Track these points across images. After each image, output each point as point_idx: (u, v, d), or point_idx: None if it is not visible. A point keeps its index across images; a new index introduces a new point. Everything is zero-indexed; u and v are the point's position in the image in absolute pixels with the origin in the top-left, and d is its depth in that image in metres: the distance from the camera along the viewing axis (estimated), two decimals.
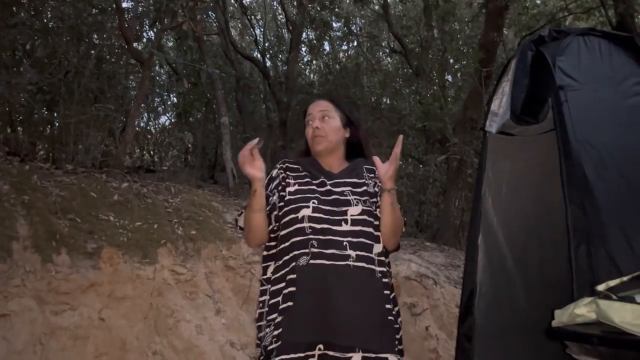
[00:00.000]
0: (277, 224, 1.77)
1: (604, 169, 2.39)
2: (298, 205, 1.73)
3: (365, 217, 1.73)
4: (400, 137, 1.77)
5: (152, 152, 9.52)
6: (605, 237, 2.25)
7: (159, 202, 3.79)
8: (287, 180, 1.81)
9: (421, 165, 8.42)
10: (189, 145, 10.00)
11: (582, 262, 2.25)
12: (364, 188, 1.80)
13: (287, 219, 1.73)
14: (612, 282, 1.39)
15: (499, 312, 3.07)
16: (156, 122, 9.77)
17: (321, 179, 1.80)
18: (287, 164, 1.86)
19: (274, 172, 1.86)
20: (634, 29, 5.93)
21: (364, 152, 1.92)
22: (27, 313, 2.68)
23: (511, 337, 3.02)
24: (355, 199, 1.75)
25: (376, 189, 1.82)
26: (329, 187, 1.78)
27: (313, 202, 1.72)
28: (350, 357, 1.59)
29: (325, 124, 1.84)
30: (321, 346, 1.59)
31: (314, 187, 1.78)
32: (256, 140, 1.69)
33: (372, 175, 1.85)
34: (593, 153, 2.40)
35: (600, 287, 1.38)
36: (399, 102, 8.90)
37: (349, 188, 1.79)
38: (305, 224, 1.69)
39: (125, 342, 2.89)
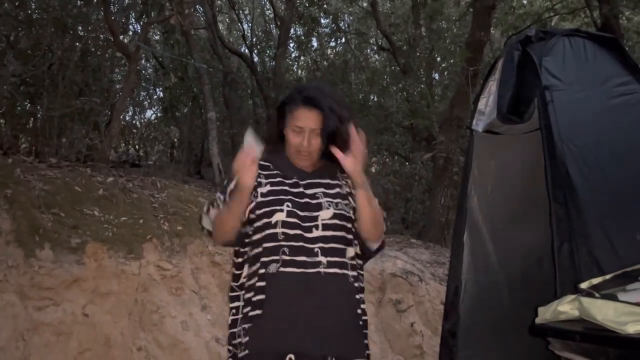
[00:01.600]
0: (250, 228, 1.69)
1: (587, 169, 2.43)
2: (271, 208, 1.65)
3: (336, 221, 1.66)
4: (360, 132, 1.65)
5: (137, 147, 9.44)
6: (587, 236, 2.29)
7: (144, 197, 3.76)
8: (258, 179, 1.70)
9: (407, 163, 8.46)
10: (175, 140, 9.94)
11: (565, 260, 2.28)
12: (337, 190, 1.73)
13: (259, 223, 1.66)
14: (595, 280, 1.41)
15: (483, 309, 3.11)
16: (142, 116, 9.70)
17: (294, 180, 1.72)
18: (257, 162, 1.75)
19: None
20: (618, 30, 6.02)
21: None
22: (10, 308, 2.64)
23: (495, 333, 3.06)
24: (327, 201, 1.68)
25: (349, 190, 1.75)
26: (301, 189, 1.70)
27: (287, 205, 1.65)
28: None
29: (314, 141, 1.71)
30: (292, 356, 1.55)
31: (287, 187, 1.70)
32: (261, 148, 1.62)
33: (346, 175, 1.75)
34: (576, 152, 2.44)
35: (583, 285, 1.40)
36: (387, 99, 8.93)
37: (322, 189, 1.71)
38: (279, 230, 1.63)
39: (110, 338, 2.86)
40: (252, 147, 1.61)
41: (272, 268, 1.61)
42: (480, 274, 3.14)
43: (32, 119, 5.52)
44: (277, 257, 1.61)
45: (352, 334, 1.65)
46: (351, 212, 1.72)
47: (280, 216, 1.64)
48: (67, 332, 2.76)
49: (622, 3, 6.72)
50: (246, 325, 1.62)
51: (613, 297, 1.30)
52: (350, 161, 1.62)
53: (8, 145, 4.35)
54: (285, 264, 1.60)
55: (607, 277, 1.43)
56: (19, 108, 5.02)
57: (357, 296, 1.69)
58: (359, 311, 1.69)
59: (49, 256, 2.91)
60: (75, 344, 2.75)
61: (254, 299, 1.62)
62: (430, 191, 7.05)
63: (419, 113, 7.00)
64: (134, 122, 9.41)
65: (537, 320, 1.51)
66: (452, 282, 3.12)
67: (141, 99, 9.23)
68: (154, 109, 9.74)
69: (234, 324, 1.70)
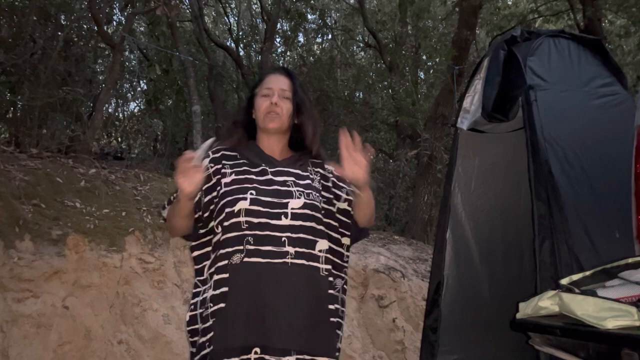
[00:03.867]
0: (213, 221, 1.62)
1: (569, 167, 2.48)
2: (234, 197, 1.58)
3: (307, 211, 1.60)
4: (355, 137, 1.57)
5: (120, 139, 9.33)
6: (568, 233, 2.33)
7: (127, 190, 3.72)
8: (223, 170, 1.65)
9: (391, 160, 8.50)
10: (158, 134, 9.84)
11: (546, 257, 2.32)
12: (308, 181, 1.68)
13: (222, 214, 1.59)
14: (575, 276, 1.44)
15: (464, 305, 3.15)
16: (125, 108, 9.58)
17: (262, 167, 1.66)
18: (222, 152, 1.70)
19: (205, 164, 1.66)
20: (600, 33, 6.11)
21: (307, 144, 1.75)
22: None
23: (475, 328, 3.10)
24: (298, 190, 1.62)
25: (321, 183, 1.71)
26: (270, 177, 1.63)
27: (251, 193, 1.58)
28: None
29: (283, 104, 1.69)
30: (257, 349, 1.49)
31: (253, 176, 1.64)
32: (200, 153, 1.55)
33: (318, 169, 1.74)
34: (559, 151, 2.48)
35: (564, 281, 1.42)
36: (372, 96, 8.95)
37: (292, 178, 1.65)
38: (242, 218, 1.56)
39: (90, 331, 2.83)
40: (197, 154, 1.53)
41: (236, 259, 1.54)
42: (462, 270, 3.18)
43: (12, 108, 5.42)
44: (240, 247, 1.54)
45: (320, 330, 1.57)
46: (323, 204, 1.67)
47: (243, 204, 1.57)
48: (47, 324, 2.72)
49: (605, 6, 6.83)
50: (209, 321, 1.55)
51: (593, 293, 1.33)
52: (357, 169, 1.54)
53: None
54: (250, 254, 1.54)
55: (587, 273, 1.45)
56: (3, 97, 4.92)
57: (330, 291, 1.63)
58: (332, 307, 1.61)
59: (29, 247, 2.87)
60: (55, 336, 2.71)
61: (217, 291, 1.55)
62: (414, 188, 7.10)
63: (404, 110, 7.03)
64: (116, 114, 9.29)
65: (518, 316, 1.53)
66: (435, 278, 3.16)
67: (124, 91, 9.13)
68: (137, 102, 9.63)
69: (193, 320, 1.61)
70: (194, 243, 1.68)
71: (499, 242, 3.28)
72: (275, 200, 1.59)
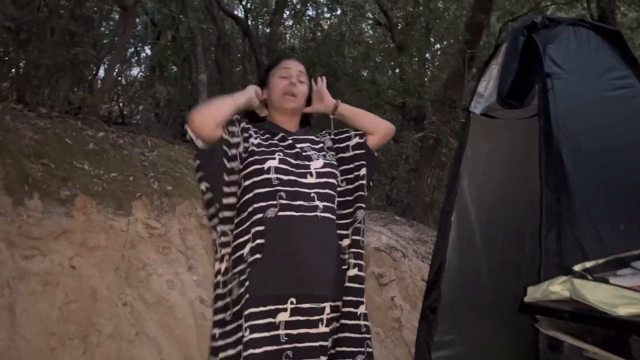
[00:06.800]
0: (240, 177, 1.71)
1: (580, 157, 2.48)
2: (263, 157, 1.70)
3: (328, 169, 1.76)
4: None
5: (122, 104, 9.26)
6: (574, 223, 2.35)
7: (135, 155, 3.73)
8: (249, 132, 1.77)
9: (395, 142, 8.47)
10: (161, 101, 9.76)
11: (551, 245, 2.34)
12: (321, 145, 1.84)
13: (250, 169, 1.69)
14: (588, 264, 1.47)
15: (463, 287, 3.18)
16: (128, 73, 9.48)
17: (281, 134, 1.79)
18: (242, 124, 1.80)
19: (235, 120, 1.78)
20: (613, 24, 6.05)
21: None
22: None
23: (473, 309, 3.15)
24: (315, 153, 1.77)
25: (331, 144, 1.89)
26: (290, 142, 1.77)
27: (278, 155, 1.71)
28: (324, 307, 1.61)
29: (300, 86, 1.85)
30: (293, 299, 1.58)
31: (276, 141, 1.77)
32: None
33: (325, 133, 1.94)
34: (571, 141, 2.48)
35: (577, 268, 1.45)
36: (379, 75, 8.88)
37: (308, 144, 1.80)
38: (272, 175, 1.67)
39: (96, 292, 2.87)
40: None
41: (270, 212, 1.64)
42: (464, 252, 3.21)
43: (19, 66, 5.35)
44: (274, 202, 1.64)
45: (337, 278, 1.71)
46: (341, 164, 1.85)
47: (272, 163, 1.68)
48: (54, 282, 2.75)
49: None
50: (246, 270, 1.62)
51: (605, 281, 1.36)
52: (320, 90, 1.88)
53: None
54: (284, 208, 1.64)
55: (600, 261, 1.49)
56: (13, 54, 4.85)
57: (340, 242, 1.76)
58: (342, 256, 1.75)
59: (37, 206, 2.89)
60: (62, 294, 2.75)
61: (252, 244, 1.63)
62: (415, 171, 7.11)
63: (411, 92, 7.00)
64: (119, 78, 9.20)
65: (527, 299, 1.57)
66: (437, 259, 3.18)
67: (129, 55, 9.02)
68: (141, 67, 9.54)
69: (225, 272, 1.69)
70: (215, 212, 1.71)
71: (501, 227, 3.30)
72: (299, 161, 1.72)
